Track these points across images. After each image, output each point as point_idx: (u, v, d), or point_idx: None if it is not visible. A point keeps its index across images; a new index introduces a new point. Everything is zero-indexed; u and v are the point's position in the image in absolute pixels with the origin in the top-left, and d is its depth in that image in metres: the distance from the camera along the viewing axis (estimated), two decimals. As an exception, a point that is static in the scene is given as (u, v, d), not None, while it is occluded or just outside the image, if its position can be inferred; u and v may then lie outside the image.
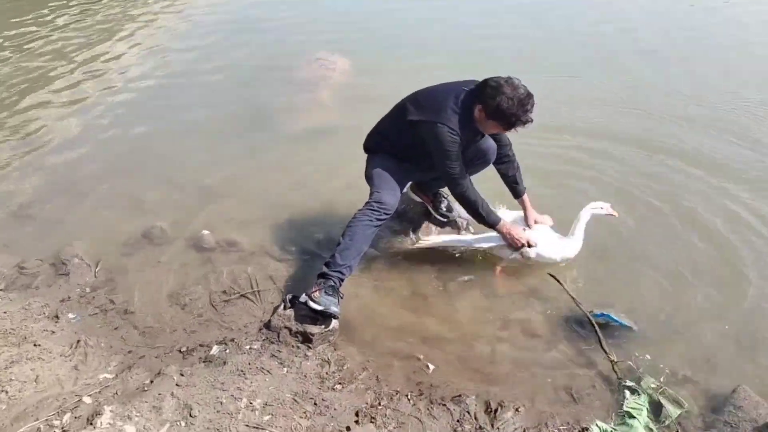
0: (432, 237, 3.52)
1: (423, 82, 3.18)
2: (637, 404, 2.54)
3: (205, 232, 3.67)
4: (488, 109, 2.88)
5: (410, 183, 3.66)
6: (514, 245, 3.25)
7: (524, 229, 3.32)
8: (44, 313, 3.07)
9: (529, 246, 3.24)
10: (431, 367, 2.77)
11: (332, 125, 5.19)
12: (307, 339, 2.83)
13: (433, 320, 3.07)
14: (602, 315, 2.99)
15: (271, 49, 7.31)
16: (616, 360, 2.76)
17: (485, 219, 3.19)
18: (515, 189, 3.40)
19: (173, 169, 4.60)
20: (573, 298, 3.08)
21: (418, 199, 3.74)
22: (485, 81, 2.92)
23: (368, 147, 3.37)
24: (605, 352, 2.79)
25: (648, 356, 2.82)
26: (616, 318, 2.97)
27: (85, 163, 4.78)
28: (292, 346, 2.82)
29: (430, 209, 3.67)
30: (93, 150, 5.01)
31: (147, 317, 3.10)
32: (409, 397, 2.58)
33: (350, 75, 6.33)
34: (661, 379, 2.69)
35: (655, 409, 2.54)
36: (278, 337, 2.86)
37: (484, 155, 3.27)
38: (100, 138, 5.22)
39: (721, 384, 2.69)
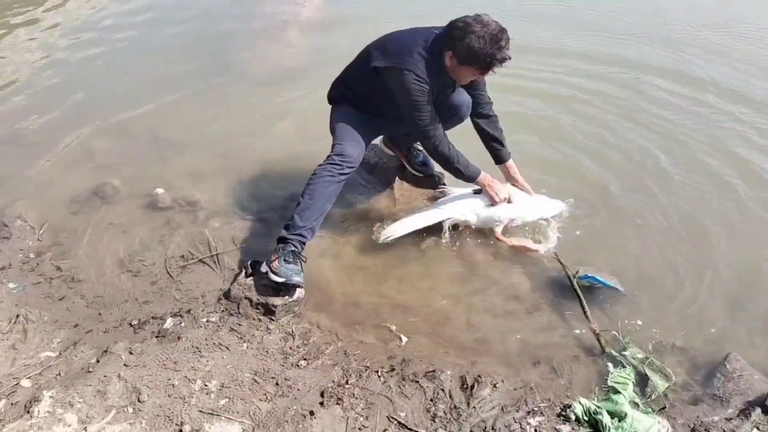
0: (396, 226, 3.02)
1: (404, 20, 2.83)
2: (622, 378, 2.38)
3: (159, 190, 3.37)
4: (459, 53, 2.58)
5: (382, 137, 3.39)
6: (492, 200, 2.99)
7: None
8: (-19, 284, 2.80)
9: (509, 203, 3.01)
10: (404, 338, 2.57)
11: (302, 69, 4.84)
12: (269, 311, 2.61)
13: (407, 287, 2.85)
14: (587, 277, 2.79)
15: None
16: (599, 330, 2.58)
17: (463, 173, 2.93)
18: (498, 152, 3.10)
19: (129, 120, 4.25)
20: (558, 258, 2.88)
21: (392, 153, 3.46)
22: (451, 23, 2.62)
23: (332, 97, 3.05)
24: (588, 321, 2.62)
25: (638, 322, 2.65)
26: (602, 280, 2.77)
27: (32, 113, 4.38)
28: (253, 319, 2.60)
29: (405, 164, 3.40)
30: (42, 99, 4.60)
31: (96, 286, 2.85)
32: (379, 373, 2.38)
33: (322, 10, 5.90)
34: (649, 348, 2.53)
35: (642, 382, 2.39)
36: (238, 308, 2.63)
37: (458, 110, 2.96)
38: (50, 86, 4.79)
39: (712, 351, 2.54)
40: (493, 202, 2.98)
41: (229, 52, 5.22)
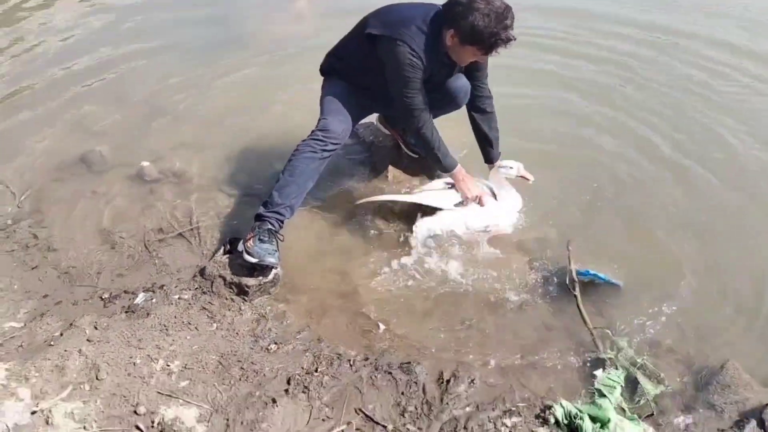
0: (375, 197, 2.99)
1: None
2: (610, 381, 2.22)
3: (145, 163, 3.26)
4: (462, 32, 2.41)
5: (378, 115, 3.24)
6: (463, 195, 2.85)
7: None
8: (-47, 249, 2.73)
9: (480, 204, 2.86)
10: (381, 327, 2.45)
11: (309, 40, 4.66)
12: (242, 291, 2.49)
13: (388, 273, 2.70)
14: (587, 273, 2.63)
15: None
16: (593, 328, 2.43)
17: (441, 161, 2.78)
18: (488, 152, 2.95)
19: (125, 88, 4.16)
20: (568, 250, 2.74)
21: (387, 132, 3.31)
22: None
23: (323, 69, 2.90)
24: (583, 318, 2.46)
25: (635, 322, 2.48)
26: (602, 276, 2.61)
27: (26, 76, 4.29)
28: (226, 299, 2.49)
29: (400, 143, 3.25)
30: (39, 64, 4.49)
31: (71, 256, 2.76)
32: (351, 362, 2.26)
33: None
34: (644, 351, 2.36)
35: (632, 386, 2.24)
36: (212, 286, 2.52)
37: (455, 96, 2.81)
38: (48, 52, 4.68)
39: (709, 357, 2.36)
40: (464, 199, 2.85)
41: (236, 23, 5.08)
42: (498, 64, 2.84)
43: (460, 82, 2.80)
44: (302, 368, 2.22)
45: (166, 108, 3.92)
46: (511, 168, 2.89)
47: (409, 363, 2.25)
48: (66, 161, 3.36)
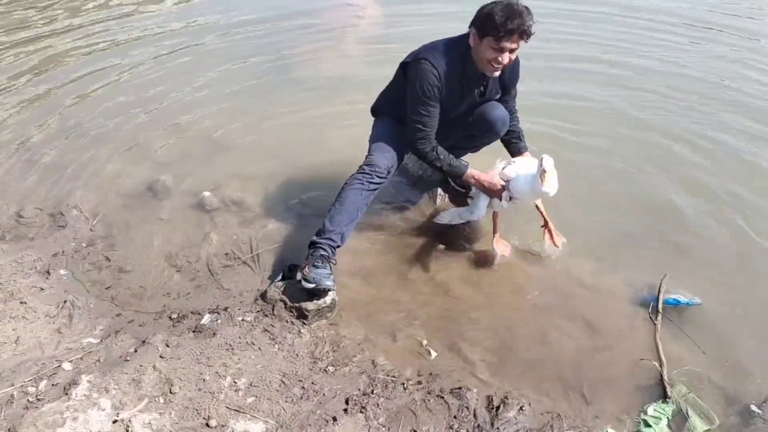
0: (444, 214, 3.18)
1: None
2: (657, 412, 2.30)
3: (206, 193, 3.47)
4: (477, 24, 2.58)
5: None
6: (492, 193, 2.89)
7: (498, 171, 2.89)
8: (36, 268, 2.94)
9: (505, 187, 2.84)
10: (433, 353, 2.56)
11: (356, 77, 4.88)
12: (302, 315, 2.64)
13: (441, 299, 2.84)
14: (673, 301, 2.76)
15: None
16: (665, 360, 2.50)
17: (450, 171, 2.90)
18: (516, 146, 3.06)
19: (188, 121, 4.37)
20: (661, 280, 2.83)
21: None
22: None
23: (374, 109, 3.12)
24: (659, 353, 2.54)
25: (703, 353, 2.55)
26: (685, 300, 2.74)
27: (95, 107, 4.57)
28: (287, 321, 2.64)
29: (449, 179, 3.40)
30: (106, 94, 4.79)
31: (141, 278, 2.95)
32: (405, 386, 2.38)
33: (380, 23, 5.97)
34: (696, 384, 2.42)
35: (681, 419, 2.29)
36: (273, 310, 2.68)
37: (493, 125, 2.91)
38: (114, 82, 4.99)
39: (761, 395, 2.40)
40: (492, 195, 2.90)
41: (288, 60, 5.32)
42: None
43: (499, 112, 2.91)
44: (359, 389, 2.35)
45: (224, 140, 4.13)
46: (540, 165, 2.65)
47: (461, 388, 2.36)
48: (133, 189, 3.59)
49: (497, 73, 2.71)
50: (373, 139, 2.99)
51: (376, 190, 2.85)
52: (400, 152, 2.95)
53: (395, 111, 2.96)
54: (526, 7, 2.52)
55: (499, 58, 2.59)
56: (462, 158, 3.00)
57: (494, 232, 3.02)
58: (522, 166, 2.84)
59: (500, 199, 2.87)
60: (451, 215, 3.13)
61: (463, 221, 3.13)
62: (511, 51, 2.58)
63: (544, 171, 2.61)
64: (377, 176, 2.82)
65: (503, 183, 2.84)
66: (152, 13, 6.62)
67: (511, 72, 2.87)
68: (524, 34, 2.52)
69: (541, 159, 2.64)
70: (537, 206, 3.02)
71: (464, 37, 2.69)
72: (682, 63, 5.19)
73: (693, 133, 4.13)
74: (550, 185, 2.64)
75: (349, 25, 5.82)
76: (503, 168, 2.88)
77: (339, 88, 4.74)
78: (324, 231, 2.75)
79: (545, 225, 3.02)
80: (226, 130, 4.22)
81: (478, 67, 2.69)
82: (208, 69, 5.19)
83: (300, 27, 5.93)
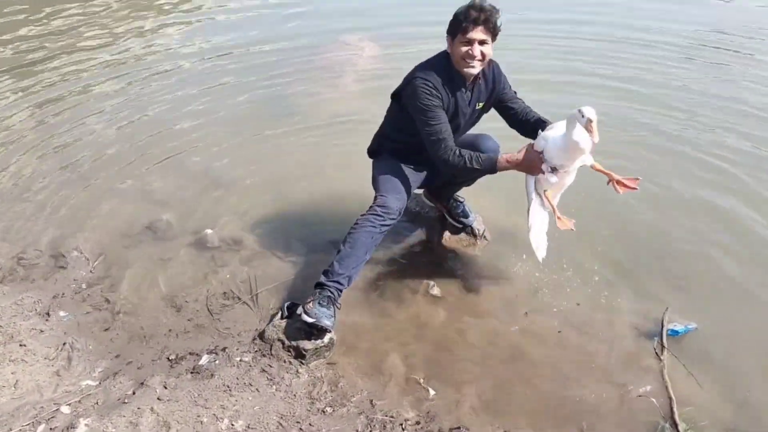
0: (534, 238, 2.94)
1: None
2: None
3: (209, 231, 3.51)
4: (449, 28, 2.75)
5: (423, 190, 3.44)
6: (531, 170, 2.79)
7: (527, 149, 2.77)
8: (36, 310, 2.96)
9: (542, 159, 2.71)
10: (431, 391, 2.56)
11: (356, 115, 4.96)
12: (299, 354, 2.65)
13: (440, 337, 2.85)
14: (674, 332, 2.78)
15: (294, 31, 7.02)
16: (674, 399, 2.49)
17: (480, 170, 2.78)
18: (545, 125, 2.88)
19: (186, 159, 4.44)
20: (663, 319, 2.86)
21: (432, 204, 3.51)
22: None
23: (372, 150, 3.16)
24: (667, 389, 2.53)
25: (706, 394, 2.54)
26: (681, 329, 2.78)
27: (94, 147, 4.64)
28: (284, 361, 2.65)
29: (445, 215, 3.44)
30: (104, 133, 4.86)
31: (140, 318, 2.97)
32: (403, 426, 2.37)
33: (378, 61, 6.08)
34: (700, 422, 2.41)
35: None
36: (271, 349, 2.69)
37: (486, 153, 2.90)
38: (113, 120, 5.06)
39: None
40: (533, 173, 2.81)
41: (287, 97, 5.42)
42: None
43: (491, 143, 3.03)
44: (357, 430, 2.34)
45: (223, 178, 4.17)
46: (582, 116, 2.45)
47: (459, 428, 2.36)
48: (134, 229, 3.62)
49: (475, 70, 2.77)
50: (382, 180, 2.97)
51: (386, 232, 2.86)
52: (408, 192, 2.99)
53: (395, 145, 3.02)
54: (491, 4, 2.67)
55: (470, 51, 2.69)
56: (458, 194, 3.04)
57: (553, 212, 2.88)
58: (550, 132, 2.71)
59: (543, 173, 2.75)
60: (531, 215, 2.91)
61: (542, 214, 2.94)
62: (481, 43, 2.68)
63: (590, 120, 2.41)
64: (389, 218, 2.83)
65: (538, 154, 2.72)
66: (147, 46, 6.76)
67: (496, 79, 2.93)
68: (487, 22, 2.65)
69: (576, 112, 2.46)
70: (593, 166, 2.78)
71: (442, 52, 2.84)
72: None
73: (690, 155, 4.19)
74: (596, 134, 2.44)
75: (348, 62, 5.93)
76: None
77: (337, 125, 4.82)
78: (332, 273, 2.75)
79: (609, 181, 2.78)
80: (224, 168, 4.28)
81: (458, 68, 2.78)
82: (205, 105, 5.28)
83: (298, 63, 6.04)
